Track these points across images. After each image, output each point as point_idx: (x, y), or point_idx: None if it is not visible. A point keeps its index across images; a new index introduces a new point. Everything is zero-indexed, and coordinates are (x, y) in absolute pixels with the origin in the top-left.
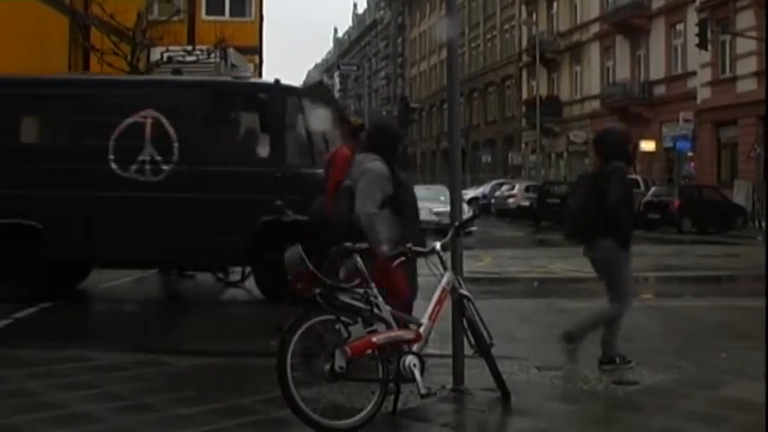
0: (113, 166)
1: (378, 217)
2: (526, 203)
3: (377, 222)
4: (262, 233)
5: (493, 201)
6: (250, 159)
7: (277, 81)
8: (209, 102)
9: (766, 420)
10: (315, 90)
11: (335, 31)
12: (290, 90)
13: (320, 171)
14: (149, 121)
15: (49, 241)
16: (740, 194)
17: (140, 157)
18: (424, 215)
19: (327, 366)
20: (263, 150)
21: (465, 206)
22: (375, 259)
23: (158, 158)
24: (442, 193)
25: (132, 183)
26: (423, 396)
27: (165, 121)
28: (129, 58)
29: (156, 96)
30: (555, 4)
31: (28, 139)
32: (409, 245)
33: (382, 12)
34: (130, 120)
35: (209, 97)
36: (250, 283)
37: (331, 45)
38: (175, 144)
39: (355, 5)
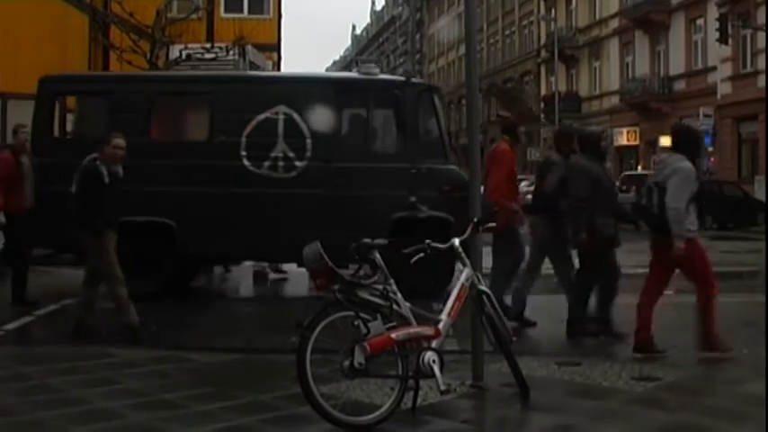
0: (246, 162)
1: (685, 212)
2: None
3: (685, 217)
4: (394, 230)
5: None
6: (383, 155)
7: (409, 77)
8: (342, 98)
9: (766, 420)
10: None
11: (354, 28)
12: (422, 86)
13: (452, 167)
14: (281, 117)
15: (183, 238)
16: (761, 190)
17: (273, 154)
18: None
19: (347, 362)
20: (397, 146)
21: None
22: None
23: (291, 155)
24: None
25: (265, 179)
26: (442, 392)
27: (297, 117)
28: (148, 55)
29: (287, 93)
30: (574, 0)
31: (161, 137)
32: (428, 241)
33: (400, 8)
34: (262, 116)
35: (341, 93)
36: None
37: (349, 42)
38: (308, 140)
39: (373, 2)
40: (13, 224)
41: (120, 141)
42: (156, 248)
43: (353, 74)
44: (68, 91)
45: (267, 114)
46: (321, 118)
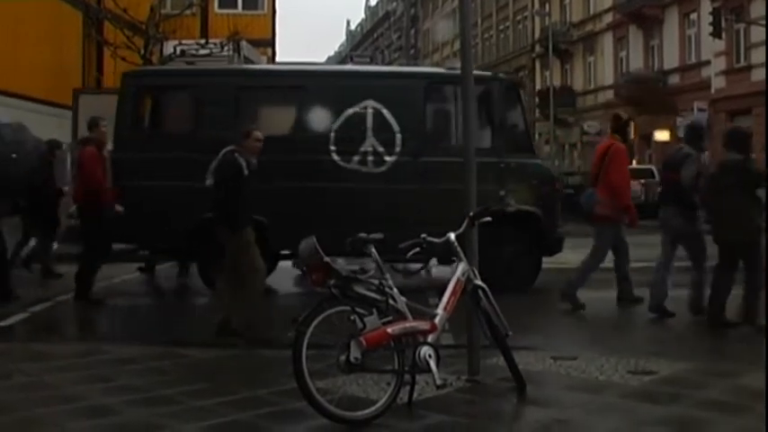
0: (335, 157)
1: None
2: None
3: None
4: (484, 224)
5: None
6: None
7: (496, 72)
8: (430, 93)
9: (766, 420)
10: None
11: (348, 23)
12: (509, 81)
13: (539, 161)
14: (370, 111)
15: (275, 234)
16: None
17: (362, 149)
18: None
19: (343, 357)
20: (486, 141)
21: None
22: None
23: (381, 149)
24: None
25: (355, 174)
26: (438, 387)
27: (386, 111)
28: (142, 51)
29: (376, 87)
30: None
31: None
32: (424, 235)
33: (395, 3)
34: (351, 110)
35: (429, 88)
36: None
37: (344, 37)
38: (397, 135)
39: None
40: (97, 220)
41: (259, 134)
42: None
43: (441, 69)
44: (151, 85)
45: (356, 109)
46: (409, 113)
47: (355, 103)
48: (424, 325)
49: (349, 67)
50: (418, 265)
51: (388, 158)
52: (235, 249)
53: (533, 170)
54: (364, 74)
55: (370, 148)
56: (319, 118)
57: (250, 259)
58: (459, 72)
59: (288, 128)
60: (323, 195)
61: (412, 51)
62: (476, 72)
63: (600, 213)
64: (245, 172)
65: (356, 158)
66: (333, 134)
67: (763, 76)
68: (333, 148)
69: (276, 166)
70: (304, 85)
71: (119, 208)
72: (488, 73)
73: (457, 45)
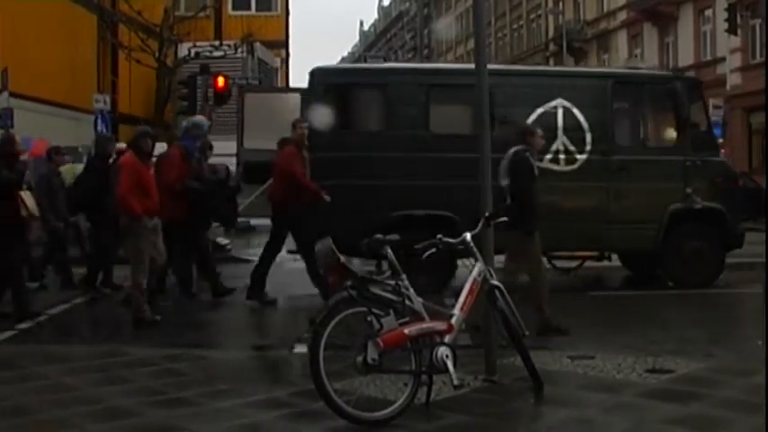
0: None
1: None
2: None
3: None
4: (671, 221)
5: None
6: (658, 148)
7: (679, 72)
8: (617, 92)
9: (766, 420)
10: None
11: (361, 24)
12: (692, 81)
13: (723, 159)
14: (560, 110)
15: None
16: None
17: (554, 147)
18: None
19: (360, 358)
20: (671, 139)
21: None
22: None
23: (572, 148)
24: None
25: (547, 172)
26: (456, 387)
27: (575, 110)
28: (156, 54)
29: (565, 86)
30: None
31: (438, 130)
32: (440, 236)
33: (408, 3)
34: (541, 109)
35: (617, 88)
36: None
37: (357, 38)
38: (587, 134)
39: None
40: (299, 218)
41: (541, 131)
42: None
43: (627, 69)
44: (340, 83)
45: (546, 108)
46: (598, 111)
47: (545, 103)
48: (440, 325)
49: (539, 67)
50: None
51: (579, 157)
52: (521, 253)
53: (717, 167)
54: (554, 73)
55: (561, 147)
56: (511, 116)
57: (537, 263)
58: (644, 72)
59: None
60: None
61: (426, 51)
62: (660, 72)
63: None
64: (536, 171)
65: (548, 157)
66: None
67: None
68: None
69: (466, 164)
70: (494, 84)
71: (326, 197)
72: (672, 73)
73: (471, 44)
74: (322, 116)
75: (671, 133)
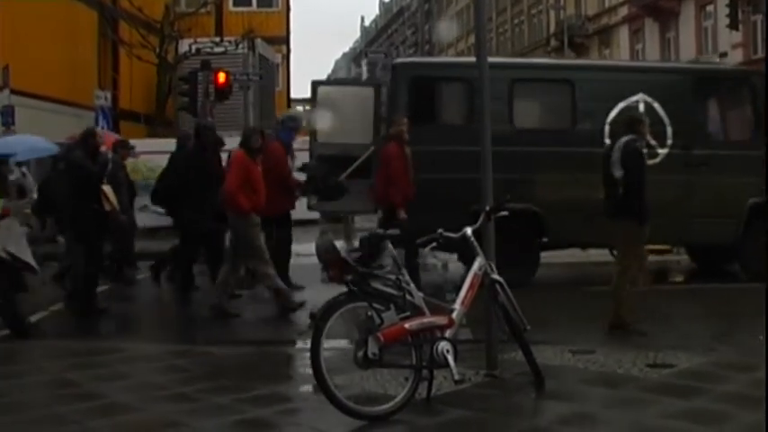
0: None
1: None
2: None
3: None
4: (750, 215)
5: None
6: (738, 143)
7: (754, 69)
8: (698, 87)
9: (766, 420)
10: None
11: (362, 20)
12: None
13: None
14: (642, 105)
15: (549, 226)
16: None
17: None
18: None
19: (360, 353)
20: (750, 134)
21: None
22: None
23: (653, 142)
24: None
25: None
26: (456, 382)
27: (657, 105)
28: (157, 50)
29: (647, 81)
30: None
31: (523, 124)
32: (440, 230)
33: None
34: (623, 104)
35: (697, 82)
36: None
37: (358, 34)
38: (668, 128)
39: None
40: (394, 216)
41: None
42: (521, 237)
43: (706, 64)
44: (423, 76)
45: (628, 102)
46: (679, 106)
47: (627, 97)
48: (441, 320)
49: (621, 62)
50: None
51: (660, 151)
52: (629, 243)
53: None
54: (635, 68)
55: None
56: (593, 111)
57: (638, 255)
58: (723, 67)
59: (561, 121)
60: (597, 187)
61: (427, 47)
62: (739, 68)
63: None
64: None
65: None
66: (607, 127)
67: None
68: (608, 141)
69: (550, 158)
70: (577, 78)
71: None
72: (748, 68)
73: (471, 40)
74: (404, 110)
75: (749, 128)
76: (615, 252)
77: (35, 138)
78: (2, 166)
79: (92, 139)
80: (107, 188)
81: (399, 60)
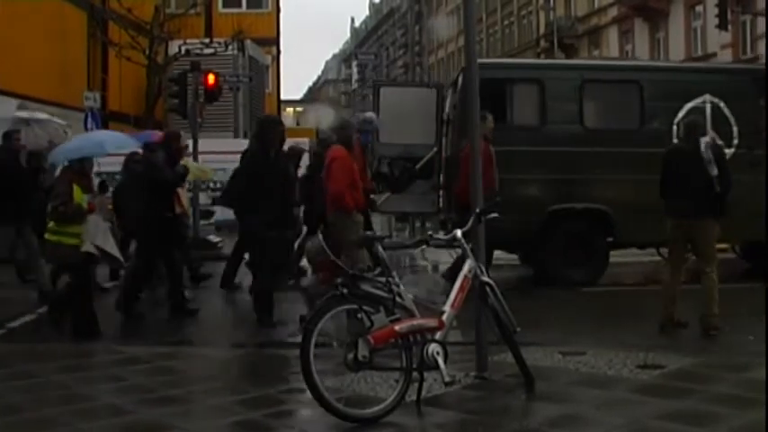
0: None
1: None
2: None
3: None
4: None
5: None
6: None
7: None
8: (762, 88)
9: (766, 420)
10: None
11: (352, 21)
12: None
13: None
14: (708, 105)
15: (618, 225)
16: None
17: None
18: None
19: (350, 356)
20: None
21: None
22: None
23: (720, 142)
24: None
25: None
26: (447, 384)
27: (723, 105)
28: (146, 51)
29: (713, 82)
30: None
31: (593, 124)
32: (430, 232)
33: (399, 0)
34: (691, 104)
35: (761, 83)
36: None
37: (348, 35)
38: (734, 128)
39: None
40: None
41: None
42: (589, 236)
43: None
44: (495, 78)
45: (695, 103)
46: (744, 106)
47: (694, 98)
48: (431, 322)
49: (687, 63)
50: None
51: (726, 151)
52: (710, 239)
53: None
54: (701, 69)
55: (709, 141)
56: (661, 111)
57: (714, 251)
58: None
59: (630, 121)
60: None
61: (417, 48)
62: None
63: None
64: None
65: (704, 140)
66: (675, 127)
67: None
68: (675, 141)
69: (618, 158)
70: (645, 79)
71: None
72: None
73: (461, 41)
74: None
75: None
76: (663, 252)
77: (115, 133)
78: (85, 162)
79: (175, 143)
80: (182, 191)
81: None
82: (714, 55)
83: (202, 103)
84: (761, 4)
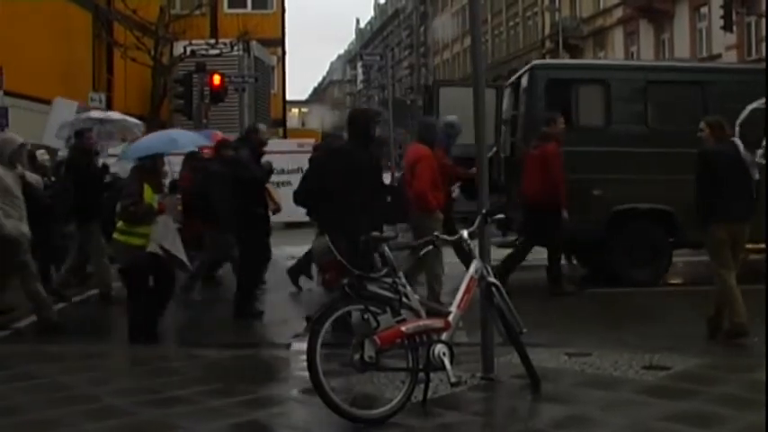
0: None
1: None
2: None
3: None
4: None
5: None
6: None
7: None
8: None
9: (766, 420)
10: None
11: (357, 21)
12: None
13: None
14: None
15: (682, 225)
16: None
17: (766, 143)
18: None
19: (357, 356)
20: None
21: None
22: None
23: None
24: None
25: (759, 167)
26: (453, 385)
27: None
28: (152, 52)
29: None
30: None
31: (657, 125)
32: (436, 233)
33: (404, 1)
34: (754, 105)
35: None
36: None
37: (353, 36)
38: None
39: None
40: (557, 219)
41: None
42: (653, 236)
43: None
44: (560, 79)
45: (758, 104)
46: None
47: (757, 99)
48: (437, 323)
49: (750, 64)
50: None
51: None
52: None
53: None
54: (763, 71)
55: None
56: (723, 113)
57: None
58: None
59: (693, 122)
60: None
61: (422, 49)
62: None
63: None
64: None
65: (759, 152)
66: (738, 128)
67: None
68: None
69: (682, 159)
70: (709, 80)
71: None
72: None
73: (467, 42)
74: (541, 111)
75: None
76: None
77: (186, 132)
78: (156, 160)
79: (254, 135)
80: (272, 187)
81: (537, 62)
82: (719, 56)
83: (208, 103)
84: (766, 6)
